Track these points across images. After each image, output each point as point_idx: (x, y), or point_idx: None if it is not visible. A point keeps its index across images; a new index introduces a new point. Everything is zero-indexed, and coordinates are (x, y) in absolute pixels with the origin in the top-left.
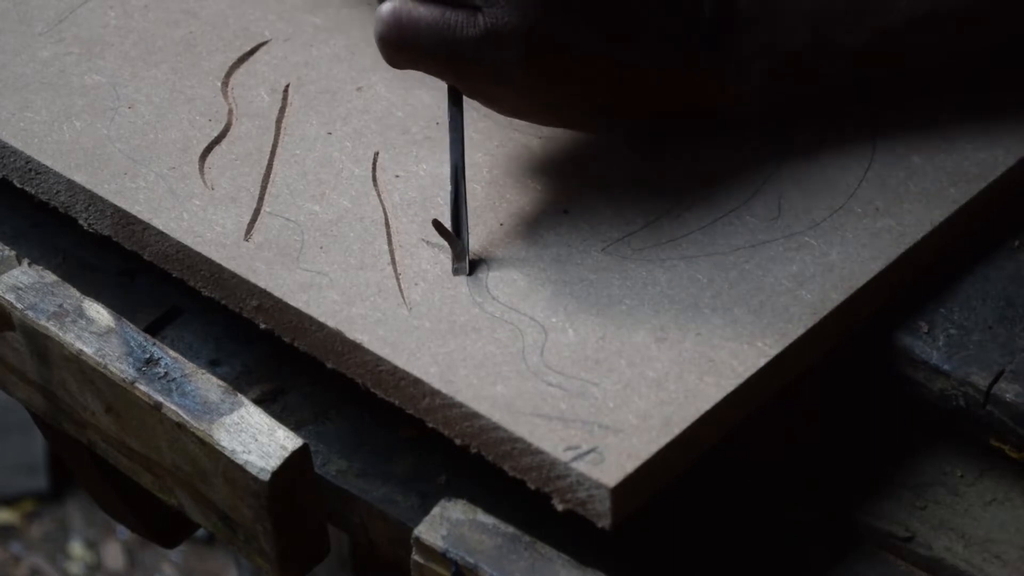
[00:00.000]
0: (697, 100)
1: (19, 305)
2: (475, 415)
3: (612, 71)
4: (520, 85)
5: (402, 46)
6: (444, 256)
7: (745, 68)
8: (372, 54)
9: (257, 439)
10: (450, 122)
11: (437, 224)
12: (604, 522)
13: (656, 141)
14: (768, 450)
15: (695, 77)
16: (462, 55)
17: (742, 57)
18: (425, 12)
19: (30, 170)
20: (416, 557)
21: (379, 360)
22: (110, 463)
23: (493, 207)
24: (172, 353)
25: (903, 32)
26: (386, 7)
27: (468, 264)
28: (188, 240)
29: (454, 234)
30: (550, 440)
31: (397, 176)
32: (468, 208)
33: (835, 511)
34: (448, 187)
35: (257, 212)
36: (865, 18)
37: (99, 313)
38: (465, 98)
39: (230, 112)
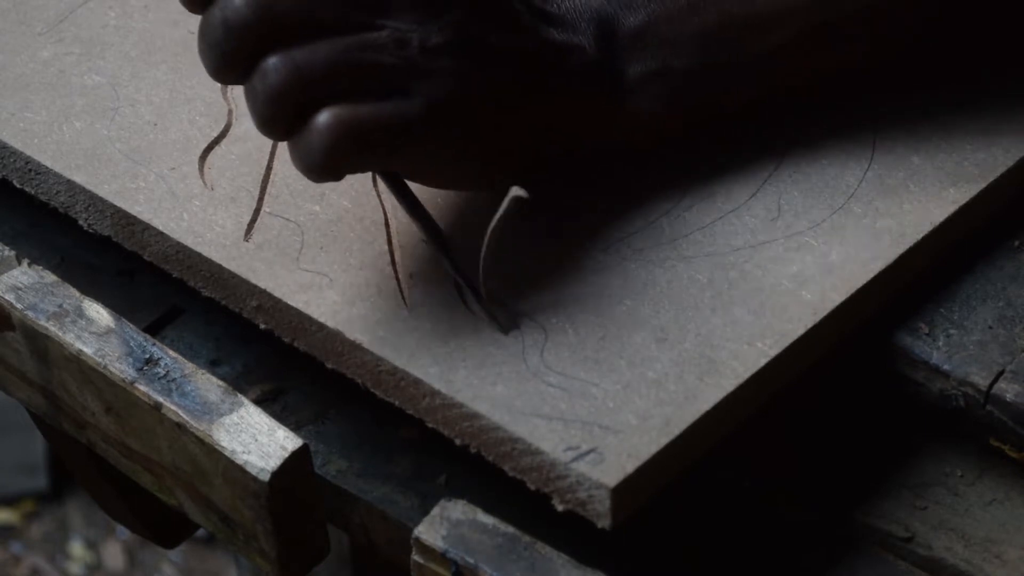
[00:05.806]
0: (608, 130)
1: (19, 305)
2: (475, 415)
3: (551, 110)
4: (466, 150)
5: (352, 151)
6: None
7: (637, 94)
8: None
9: (257, 439)
10: (408, 205)
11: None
12: (604, 522)
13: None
14: (768, 450)
15: (606, 105)
16: (411, 139)
17: (631, 84)
18: (366, 111)
19: (30, 170)
20: (416, 557)
21: (379, 360)
22: (110, 463)
23: (491, 207)
24: (172, 353)
25: (797, 45)
26: (325, 119)
27: (504, 320)
28: (188, 240)
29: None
30: (550, 440)
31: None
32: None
33: (835, 511)
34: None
35: (257, 212)
36: (754, 34)
37: (99, 313)
38: None
39: (230, 112)
